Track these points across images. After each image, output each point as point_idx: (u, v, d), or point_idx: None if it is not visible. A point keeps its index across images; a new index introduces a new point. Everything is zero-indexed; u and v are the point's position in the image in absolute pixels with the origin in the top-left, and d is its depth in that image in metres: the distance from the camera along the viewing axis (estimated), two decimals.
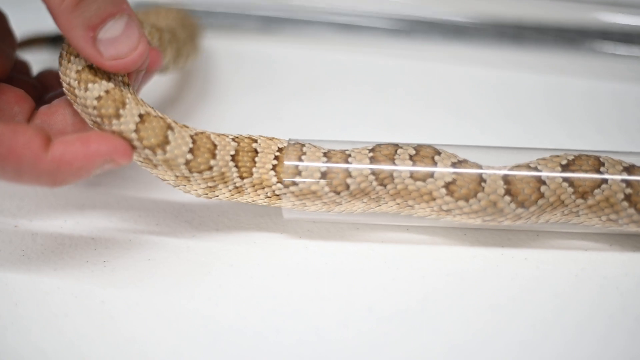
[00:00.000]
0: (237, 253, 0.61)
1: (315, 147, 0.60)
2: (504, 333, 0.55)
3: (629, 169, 0.59)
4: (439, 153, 0.60)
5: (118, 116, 0.56)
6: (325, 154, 0.60)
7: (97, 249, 0.62)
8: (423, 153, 0.59)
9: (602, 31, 0.82)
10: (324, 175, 0.59)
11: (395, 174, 0.59)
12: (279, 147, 0.60)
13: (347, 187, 0.59)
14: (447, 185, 0.59)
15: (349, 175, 0.59)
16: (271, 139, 0.61)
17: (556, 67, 0.81)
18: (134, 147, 0.57)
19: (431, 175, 0.59)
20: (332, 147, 0.61)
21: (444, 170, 0.59)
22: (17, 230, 0.63)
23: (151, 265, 0.60)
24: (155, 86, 0.80)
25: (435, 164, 0.59)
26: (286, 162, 0.59)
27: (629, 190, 0.59)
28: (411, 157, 0.59)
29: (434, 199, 0.59)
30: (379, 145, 0.60)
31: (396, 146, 0.60)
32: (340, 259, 0.61)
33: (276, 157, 0.60)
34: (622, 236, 0.62)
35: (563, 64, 0.81)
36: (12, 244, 0.62)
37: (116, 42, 0.56)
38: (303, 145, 0.60)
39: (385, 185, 0.59)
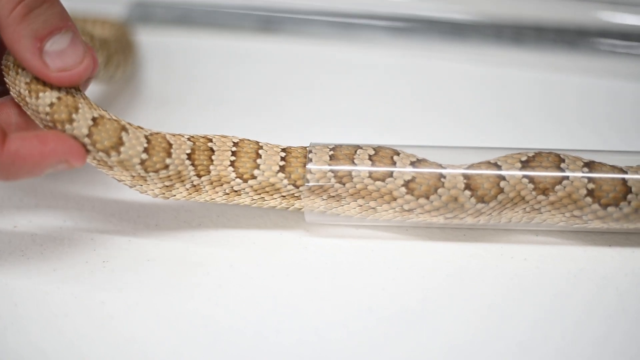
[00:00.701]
0: (236, 253, 0.61)
1: (272, 144, 0.61)
2: (504, 333, 0.55)
3: (589, 164, 0.59)
4: (397, 153, 0.60)
5: (71, 121, 0.56)
6: (283, 150, 0.61)
7: (96, 249, 0.61)
8: (382, 153, 0.60)
9: (599, 29, 0.82)
10: (282, 168, 0.60)
11: (354, 173, 0.60)
12: (233, 142, 0.61)
13: (306, 181, 0.60)
14: (406, 184, 0.59)
15: (309, 170, 0.60)
16: (225, 136, 0.61)
17: (554, 65, 0.81)
18: (88, 151, 0.57)
19: (390, 174, 0.59)
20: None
21: (403, 170, 0.59)
22: (17, 230, 0.63)
23: (150, 266, 0.60)
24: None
25: (394, 163, 0.60)
26: (310, 166, 0.60)
27: (591, 186, 0.59)
28: (370, 157, 0.60)
29: (395, 199, 0.60)
30: (340, 145, 0.61)
31: (357, 147, 0.61)
32: (339, 259, 0.61)
33: (233, 153, 0.60)
34: (621, 236, 0.62)
35: (561, 62, 0.81)
36: (11, 245, 0.62)
37: (62, 54, 0.56)
38: (260, 143, 0.61)
39: (344, 184, 0.60)
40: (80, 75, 0.57)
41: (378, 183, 0.59)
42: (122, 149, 0.57)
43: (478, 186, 0.59)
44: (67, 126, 0.56)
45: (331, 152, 0.60)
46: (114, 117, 0.58)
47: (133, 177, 0.58)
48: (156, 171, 0.58)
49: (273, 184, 0.60)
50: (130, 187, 0.59)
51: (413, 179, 0.59)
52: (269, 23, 0.87)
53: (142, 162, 0.58)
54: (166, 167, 0.58)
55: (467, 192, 0.59)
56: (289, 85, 0.81)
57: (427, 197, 0.59)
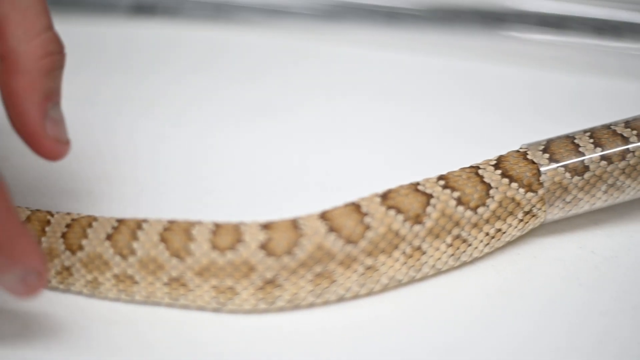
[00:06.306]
0: None
1: (109, 217, 0.56)
2: (456, 314, 0.55)
3: (442, 177, 0.57)
4: (244, 224, 0.54)
5: None
6: (118, 220, 0.56)
7: None
8: (226, 227, 0.54)
9: (536, 16, 0.81)
10: (109, 237, 0.55)
11: (193, 247, 0.53)
12: (72, 219, 0.57)
13: (134, 252, 0.54)
14: (263, 245, 0.53)
15: (135, 238, 0.54)
16: (69, 213, 0.58)
17: (479, 52, 0.80)
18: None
19: (239, 239, 0.53)
20: None
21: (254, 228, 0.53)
22: None
23: None
24: None
25: (241, 234, 0.53)
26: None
27: (456, 194, 0.56)
28: (212, 231, 0.54)
29: (254, 269, 0.54)
30: (177, 221, 0.55)
31: (193, 224, 0.54)
32: None
33: (68, 225, 0.56)
34: (583, 219, 0.61)
35: (490, 48, 0.80)
36: None
37: (58, 124, 0.53)
38: (96, 217, 0.57)
39: (182, 259, 0.53)
40: (66, 152, 0.54)
41: (228, 254, 0.53)
42: None
43: (341, 226, 0.54)
44: None
45: (167, 224, 0.54)
46: None
47: None
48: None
49: (100, 255, 0.55)
50: None
51: (270, 239, 0.53)
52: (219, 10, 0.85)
53: None
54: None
55: (332, 235, 0.53)
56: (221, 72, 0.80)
57: (290, 253, 0.53)
